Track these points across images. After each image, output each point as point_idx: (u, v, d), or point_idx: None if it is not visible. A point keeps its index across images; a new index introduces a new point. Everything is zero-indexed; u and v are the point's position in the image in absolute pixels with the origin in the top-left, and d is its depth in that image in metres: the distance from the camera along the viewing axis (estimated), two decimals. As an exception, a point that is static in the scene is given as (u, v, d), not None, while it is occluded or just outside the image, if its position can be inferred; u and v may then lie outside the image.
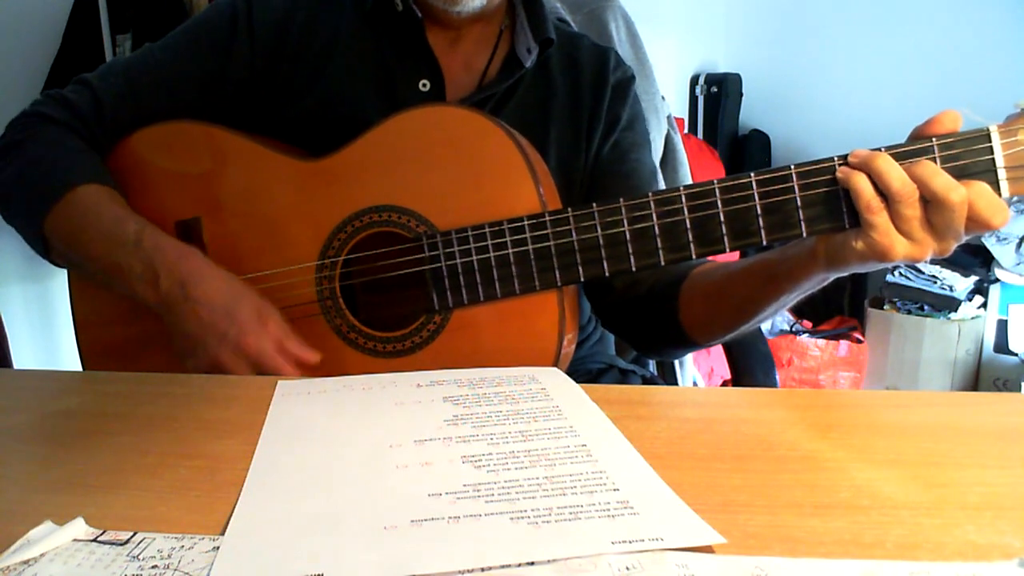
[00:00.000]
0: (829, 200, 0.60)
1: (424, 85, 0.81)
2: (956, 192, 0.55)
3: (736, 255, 0.74)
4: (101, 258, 0.71)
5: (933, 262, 2.62)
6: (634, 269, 0.66)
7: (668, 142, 1.23)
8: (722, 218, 0.63)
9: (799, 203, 0.61)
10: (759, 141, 3.23)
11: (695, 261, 0.78)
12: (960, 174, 0.57)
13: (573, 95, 0.84)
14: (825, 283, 0.67)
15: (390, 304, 0.73)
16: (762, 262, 0.69)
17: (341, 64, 0.81)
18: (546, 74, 0.84)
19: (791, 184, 0.61)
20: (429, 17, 0.81)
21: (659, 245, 0.65)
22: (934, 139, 0.58)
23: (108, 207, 0.73)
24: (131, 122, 0.79)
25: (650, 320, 0.81)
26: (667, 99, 1.42)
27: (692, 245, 0.64)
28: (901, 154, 0.58)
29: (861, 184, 0.57)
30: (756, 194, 0.62)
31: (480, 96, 0.81)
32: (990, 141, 0.57)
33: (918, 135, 0.59)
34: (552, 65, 0.85)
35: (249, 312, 0.68)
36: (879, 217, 0.57)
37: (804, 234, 0.61)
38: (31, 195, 0.74)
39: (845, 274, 0.63)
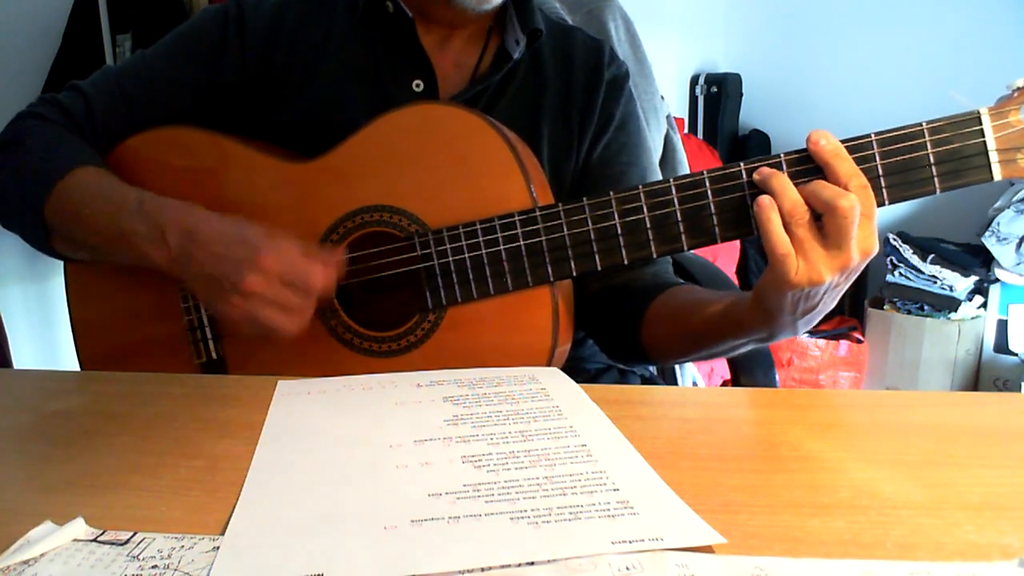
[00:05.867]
0: None
1: (418, 85, 0.81)
2: (845, 199, 0.56)
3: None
4: (106, 228, 0.70)
5: (933, 262, 2.62)
6: (626, 262, 0.66)
7: (668, 142, 1.24)
8: (713, 209, 0.63)
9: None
10: (759, 141, 3.23)
11: (671, 282, 0.79)
12: (952, 158, 0.57)
13: (565, 90, 0.84)
14: (763, 343, 0.67)
15: (384, 304, 0.73)
16: (728, 296, 0.70)
17: (332, 66, 0.81)
18: (538, 69, 0.84)
19: (784, 171, 0.61)
20: (420, 17, 0.81)
21: (650, 237, 0.65)
22: (924, 123, 0.58)
23: (108, 181, 0.73)
24: (123, 128, 0.80)
25: (614, 328, 0.82)
26: (667, 99, 1.42)
27: (683, 236, 0.64)
28: (889, 139, 0.58)
29: (770, 221, 0.58)
30: (746, 184, 0.62)
31: (472, 92, 0.81)
32: (981, 124, 0.57)
33: None
34: (544, 59, 0.84)
35: (261, 234, 0.66)
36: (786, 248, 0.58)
37: None
38: (33, 181, 0.74)
39: (779, 328, 0.63)
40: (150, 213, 0.69)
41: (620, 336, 0.81)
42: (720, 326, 0.69)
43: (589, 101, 0.84)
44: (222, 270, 0.64)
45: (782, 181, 0.58)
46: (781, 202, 0.57)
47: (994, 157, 0.57)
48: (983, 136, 0.57)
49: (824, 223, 0.57)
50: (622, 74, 0.87)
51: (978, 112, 0.57)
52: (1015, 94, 0.57)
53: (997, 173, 0.57)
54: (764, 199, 0.58)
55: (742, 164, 0.62)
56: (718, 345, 0.71)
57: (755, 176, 0.60)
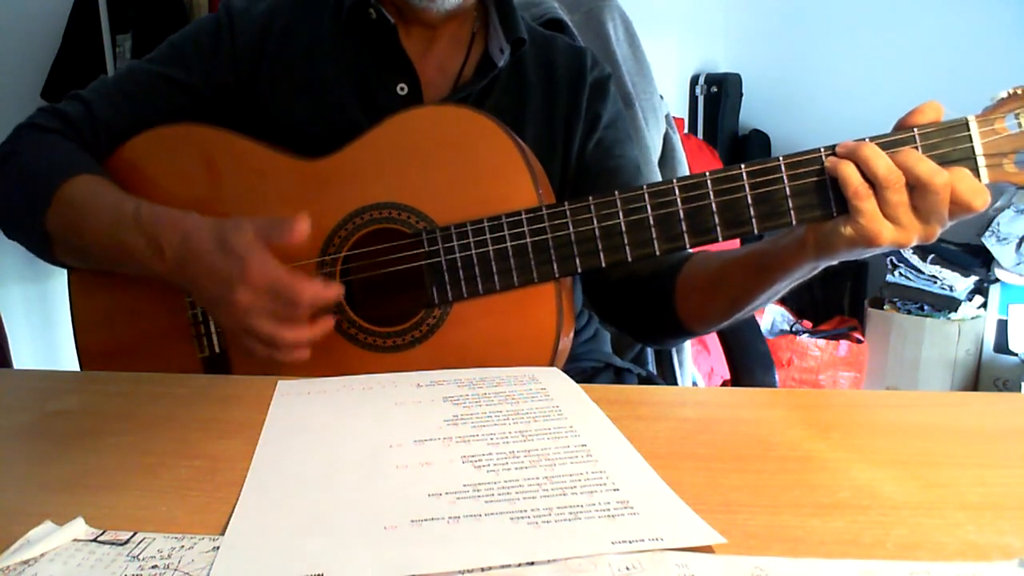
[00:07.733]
0: (817, 189, 0.62)
1: (402, 88, 0.82)
2: (939, 176, 0.57)
3: (735, 243, 0.76)
4: (106, 241, 0.71)
5: (933, 262, 2.62)
6: (630, 259, 0.67)
7: (667, 142, 1.23)
8: (714, 208, 0.65)
9: (788, 192, 0.63)
10: (759, 141, 3.23)
11: (689, 252, 0.79)
12: (940, 162, 0.58)
13: (548, 96, 0.85)
14: (815, 272, 0.68)
15: (390, 300, 0.73)
16: (754, 253, 0.70)
17: (322, 72, 0.83)
18: (521, 75, 0.85)
19: (780, 175, 0.63)
20: (403, 22, 0.83)
21: (654, 236, 0.66)
22: (915, 129, 0.60)
23: (105, 191, 0.74)
24: (124, 127, 0.81)
25: (647, 311, 0.82)
26: (667, 99, 1.42)
27: (686, 235, 0.66)
28: (885, 144, 0.60)
29: (848, 172, 0.59)
30: (747, 185, 0.63)
31: (456, 97, 0.82)
32: (968, 130, 0.59)
33: (901, 125, 0.61)
34: (527, 66, 0.85)
35: (245, 242, 0.65)
36: (866, 203, 0.59)
37: (794, 222, 0.63)
38: (31, 193, 0.75)
39: (835, 262, 0.65)
40: (146, 225, 0.69)
41: (655, 315, 0.81)
42: (761, 274, 0.69)
43: (574, 104, 0.85)
44: (213, 287, 0.66)
45: (873, 149, 0.58)
46: (875, 169, 0.58)
47: (981, 162, 0.59)
48: (971, 142, 0.59)
49: (916, 197, 0.58)
50: (605, 76, 0.88)
51: (966, 119, 0.59)
52: (999, 104, 0.59)
53: (985, 177, 0.59)
54: (847, 166, 0.59)
55: (743, 166, 0.63)
56: (757, 296, 0.71)
57: (839, 149, 0.60)
